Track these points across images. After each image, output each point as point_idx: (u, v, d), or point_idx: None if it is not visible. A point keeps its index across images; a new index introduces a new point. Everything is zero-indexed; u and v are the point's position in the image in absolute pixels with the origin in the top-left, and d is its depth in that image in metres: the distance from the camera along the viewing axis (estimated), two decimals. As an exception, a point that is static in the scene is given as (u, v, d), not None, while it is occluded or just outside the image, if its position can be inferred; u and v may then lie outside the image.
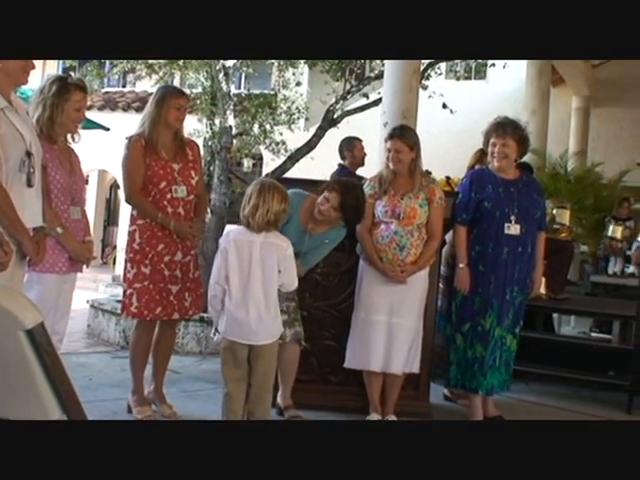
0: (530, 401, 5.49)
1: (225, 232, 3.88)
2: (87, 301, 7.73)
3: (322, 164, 7.50)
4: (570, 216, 7.03)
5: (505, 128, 4.53)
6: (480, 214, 4.54)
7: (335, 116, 8.10)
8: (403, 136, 4.38)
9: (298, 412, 4.44)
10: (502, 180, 4.58)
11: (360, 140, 6.77)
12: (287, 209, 3.72)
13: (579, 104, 13.22)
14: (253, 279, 3.62)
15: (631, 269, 8.34)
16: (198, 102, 7.96)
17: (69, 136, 3.89)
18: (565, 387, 5.94)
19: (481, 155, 5.27)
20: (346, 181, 4.42)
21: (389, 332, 4.35)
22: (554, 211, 6.61)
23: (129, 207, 4.33)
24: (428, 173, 6.76)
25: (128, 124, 8.02)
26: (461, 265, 4.55)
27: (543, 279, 6.10)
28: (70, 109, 3.77)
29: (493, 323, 4.54)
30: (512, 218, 4.49)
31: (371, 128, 6.58)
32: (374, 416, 4.41)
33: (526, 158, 6.76)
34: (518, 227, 4.50)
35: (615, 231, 8.25)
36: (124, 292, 4.26)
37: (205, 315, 6.58)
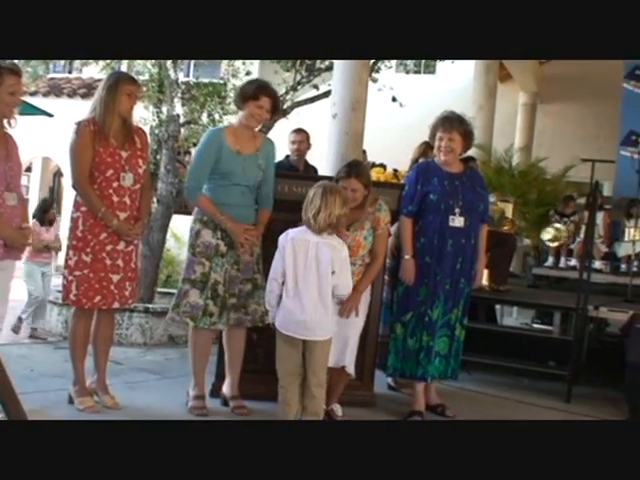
0: (472, 390, 5.60)
1: (285, 232, 3.94)
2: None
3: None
4: (513, 210, 7.16)
5: (452, 123, 4.61)
6: (425, 206, 4.60)
7: (285, 107, 8.09)
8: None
9: (243, 402, 4.44)
10: (447, 173, 4.65)
11: (298, 131, 6.70)
12: (347, 213, 3.92)
13: (526, 100, 13.41)
14: (308, 277, 3.79)
15: (573, 262, 8.50)
16: (145, 89, 7.86)
17: (5, 122, 3.81)
18: (507, 376, 6.07)
19: (425, 148, 5.33)
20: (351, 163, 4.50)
21: (340, 328, 4.34)
22: (498, 204, 6.71)
23: (74, 193, 4.26)
24: (382, 166, 6.84)
25: (74, 111, 7.89)
26: (407, 256, 4.60)
27: (486, 271, 6.23)
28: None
29: (440, 313, 4.62)
30: (456, 211, 4.57)
31: (321, 119, 6.59)
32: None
33: (471, 152, 6.86)
34: (462, 219, 4.58)
35: (547, 233, 8.41)
36: (65, 278, 4.20)
37: (150, 306, 6.55)
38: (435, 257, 4.58)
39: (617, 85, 10.50)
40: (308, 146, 6.49)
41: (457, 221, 4.58)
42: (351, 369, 4.39)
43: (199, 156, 4.36)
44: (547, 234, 8.37)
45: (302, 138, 6.50)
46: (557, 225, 8.42)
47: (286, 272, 3.83)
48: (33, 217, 7.58)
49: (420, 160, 5.33)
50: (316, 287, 3.80)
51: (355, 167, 4.38)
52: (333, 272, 3.82)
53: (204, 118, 8.04)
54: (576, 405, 5.39)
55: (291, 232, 3.91)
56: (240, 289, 4.35)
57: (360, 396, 4.68)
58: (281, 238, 3.92)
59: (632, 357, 5.07)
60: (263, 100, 4.33)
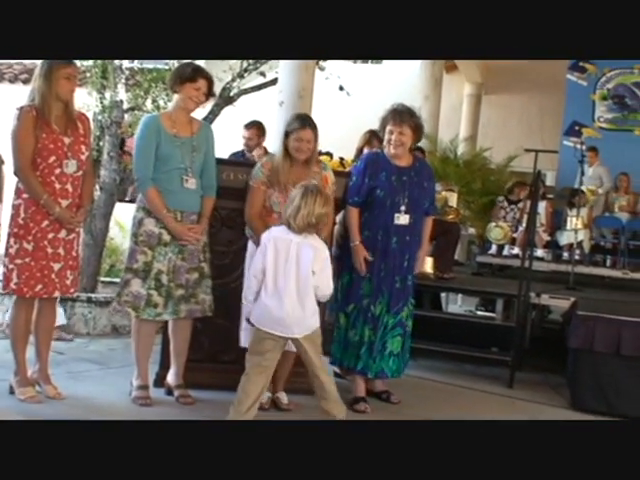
0: (417, 376, 5.64)
1: (268, 230, 4.00)
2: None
3: (218, 142, 7.42)
4: (458, 199, 7.24)
5: (402, 116, 4.58)
6: (372, 200, 4.60)
7: (231, 94, 8.03)
8: (313, 126, 4.34)
9: (188, 391, 4.41)
10: (396, 167, 4.65)
11: (247, 127, 6.65)
12: (330, 213, 4.01)
13: (471, 91, 13.59)
14: (288, 276, 3.82)
15: (516, 250, 8.65)
16: (88, 75, 7.70)
17: None
18: (451, 363, 6.14)
19: (370, 137, 5.33)
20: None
21: None
22: (443, 193, 6.78)
23: (15, 179, 4.16)
24: (329, 155, 6.83)
25: (15, 96, 7.70)
26: (356, 242, 4.60)
27: (431, 259, 6.30)
28: None
29: (383, 310, 4.64)
30: (402, 208, 4.58)
31: (268, 107, 6.57)
32: (265, 395, 4.41)
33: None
34: (407, 217, 4.59)
35: (496, 233, 8.54)
36: (5, 267, 4.12)
37: (93, 296, 6.46)
38: (380, 253, 4.59)
39: (561, 76, 10.71)
40: (259, 141, 6.41)
41: (402, 219, 4.58)
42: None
43: (140, 145, 4.28)
44: (494, 233, 8.49)
45: (250, 135, 6.45)
46: (501, 224, 8.55)
47: (266, 270, 3.85)
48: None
49: (365, 149, 5.32)
50: (295, 286, 3.83)
51: (308, 118, 4.45)
52: (313, 272, 3.84)
53: (148, 104, 7.90)
54: (518, 390, 5.48)
55: (273, 230, 3.95)
56: (187, 279, 4.30)
57: (306, 383, 4.67)
58: (263, 236, 3.96)
59: (573, 343, 5.16)
60: (200, 82, 4.29)
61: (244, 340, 4.43)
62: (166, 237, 4.24)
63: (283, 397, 4.47)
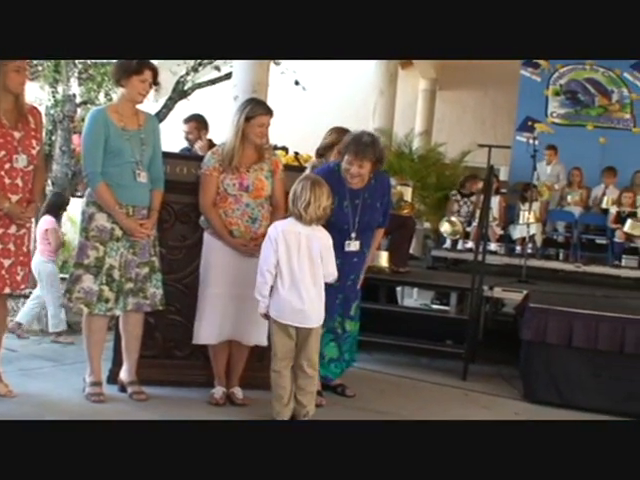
0: (372, 369, 5.68)
1: (273, 224, 4.13)
2: None
3: (172, 137, 7.37)
4: (413, 193, 7.28)
5: (364, 152, 4.38)
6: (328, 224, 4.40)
7: (185, 88, 7.99)
8: (271, 111, 4.40)
9: (142, 388, 4.38)
10: (349, 191, 4.52)
11: (186, 121, 6.58)
12: (332, 204, 4.12)
13: (426, 86, 13.68)
14: (303, 267, 3.98)
15: (470, 244, 8.74)
16: (40, 69, 7.59)
17: None
18: (406, 356, 6.18)
19: (337, 137, 5.06)
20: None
21: (239, 304, 4.35)
22: (398, 188, 6.81)
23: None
24: (284, 149, 6.81)
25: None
26: None
27: (386, 253, 6.33)
28: None
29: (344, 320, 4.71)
30: (352, 235, 4.52)
31: (222, 101, 6.53)
32: (219, 389, 4.42)
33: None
34: (357, 243, 4.54)
35: (446, 227, 8.62)
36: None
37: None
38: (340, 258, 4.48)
39: (515, 72, 10.81)
40: (199, 134, 6.33)
41: (352, 245, 4.54)
42: (260, 340, 4.43)
43: (89, 139, 4.22)
44: (444, 227, 8.58)
45: (189, 129, 6.37)
46: (452, 219, 8.63)
47: (280, 264, 3.98)
48: None
49: (336, 148, 5.09)
50: (310, 276, 3.99)
51: (267, 104, 4.50)
52: (321, 260, 4.03)
53: (101, 98, 7.82)
54: (472, 382, 5.54)
55: (279, 225, 4.06)
56: (137, 273, 4.28)
57: (261, 378, 4.66)
58: (270, 230, 4.07)
59: (526, 335, 5.23)
60: (146, 73, 4.25)
61: (197, 337, 4.41)
62: (118, 232, 4.20)
63: (238, 392, 4.45)
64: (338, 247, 4.34)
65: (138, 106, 4.37)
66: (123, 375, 4.44)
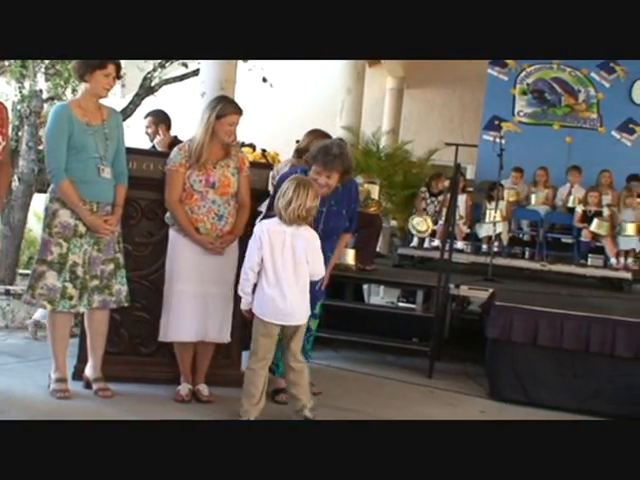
0: (338, 367, 5.69)
1: (259, 223, 4.17)
2: None
3: (139, 134, 7.30)
4: (380, 191, 7.30)
5: (333, 163, 4.27)
6: None
7: (153, 84, 7.92)
8: (241, 110, 4.40)
9: (107, 385, 4.34)
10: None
11: (146, 116, 6.53)
12: (318, 206, 4.09)
13: (393, 84, 13.73)
14: (286, 266, 4.01)
15: (436, 242, 8.78)
16: (7, 64, 7.49)
17: None
18: (372, 354, 6.20)
19: (315, 137, 5.03)
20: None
21: (205, 302, 4.35)
22: (365, 186, 6.83)
23: None
24: (251, 146, 6.78)
25: None
26: None
27: (353, 251, 6.34)
28: None
29: None
30: (320, 219, 4.39)
31: (189, 98, 6.49)
32: (185, 386, 4.40)
33: (341, 135, 6.94)
34: (321, 228, 4.41)
35: (419, 223, 8.65)
36: None
37: (11, 288, 6.29)
38: None
39: (482, 71, 10.88)
40: (157, 129, 6.26)
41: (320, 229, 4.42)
42: (224, 337, 4.43)
43: (52, 135, 4.18)
44: (417, 223, 8.60)
45: (147, 123, 6.32)
46: (425, 216, 8.66)
47: (264, 262, 4.01)
48: None
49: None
50: (293, 275, 4.01)
51: (236, 102, 4.49)
52: (307, 262, 4.04)
53: (68, 94, 7.73)
54: (437, 380, 5.57)
55: (265, 223, 4.08)
56: (102, 270, 4.24)
57: (227, 375, 4.66)
58: (256, 229, 4.10)
59: (491, 333, 5.26)
60: (110, 67, 4.22)
61: (163, 334, 4.38)
62: (82, 228, 4.16)
63: (204, 389, 4.43)
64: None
65: (102, 101, 4.33)
66: (88, 372, 4.40)
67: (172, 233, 4.40)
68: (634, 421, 4.78)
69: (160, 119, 6.29)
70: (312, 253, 4.07)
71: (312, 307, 4.63)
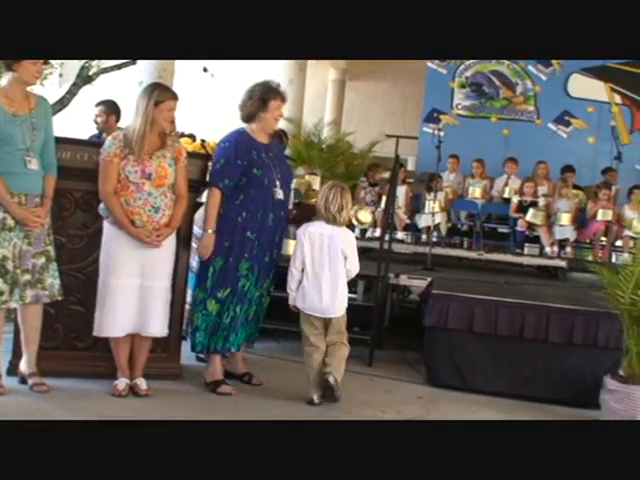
0: (280, 357, 5.70)
1: (303, 226, 4.66)
2: None
3: (76, 123, 7.21)
4: (321, 182, 7.32)
5: (283, 93, 4.71)
6: (248, 181, 4.55)
7: (90, 73, 7.83)
8: (177, 96, 4.40)
9: (42, 380, 4.28)
10: (262, 145, 4.65)
11: (96, 105, 6.47)
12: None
13: (335, 76, 13.77)
14: (322, 266, 4.55)
15: (379, 233, 8.83)
16: None
17: None
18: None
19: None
20: None
21: (141, 295, 4.30)
22: (306, 177, 6.85)
23: None
24: (191, 137, 6.73)
25: None
26: (210, 231, 4.53)
27: (294, 242, 6.34)
28: None
29: (251, 285, 4.64)
30: (278, 184, 4.61)
31: (127, 86, 6.41)
32: (122, 381, 4.35)
33: (282, 126, 6.94)
34: (282, 192, 4.63)
35: (364, 216, 8.69)
36: None
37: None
38: (257, 232, 4.57)
39: (422, 64, 10.98)
40: (108, 118, 6.21)
41: (279, 194, 4.61)
42: (161, 331, 4.40)
43: None
44: (362, 216, 8.63)
45: (98, 112, 6.25)
46: (366, 207, 8.70)
47: (305, 262, 4.55)
48: None
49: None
50: (330, 274, 4.54)
51: (170, 88, 4.59)
52: (346, 257, 4.58)
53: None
54: (377, 368, 5.64)
55: (309, 226, 4.61)
56: (34, 264, 4.15)
57: (166, 368, 4.64)
58: (299, 231, 4.62)
59: (428, 321, 5.34)
60: None
61: (98, 329, 4.34)
62: (10, 222, 4.05)
63: (142, 383, 4.39)
64: (268, 200, 4.56)
65: (29, 89, 4.24)
66: (23, 367, 4.33)
67: (107, 225, 4.33)
68: (565, 404, 4.94)
69: (112, 110, 6.24)
70: (350, 248, 4.61)
71: (268, 275, 4.79)
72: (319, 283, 4.52)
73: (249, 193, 4.56)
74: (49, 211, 4.22)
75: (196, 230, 4.97)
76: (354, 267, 4.66)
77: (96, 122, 6.27)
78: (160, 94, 4.32)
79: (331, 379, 4.49)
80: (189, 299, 5.04)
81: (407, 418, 4.49)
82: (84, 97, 7.50)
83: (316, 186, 7.01)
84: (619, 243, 8.83)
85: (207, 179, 4.68)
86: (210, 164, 4.92)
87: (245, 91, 4.71)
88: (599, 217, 8.63)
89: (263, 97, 4.62)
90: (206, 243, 4.55)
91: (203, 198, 5.12)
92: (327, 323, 4.60)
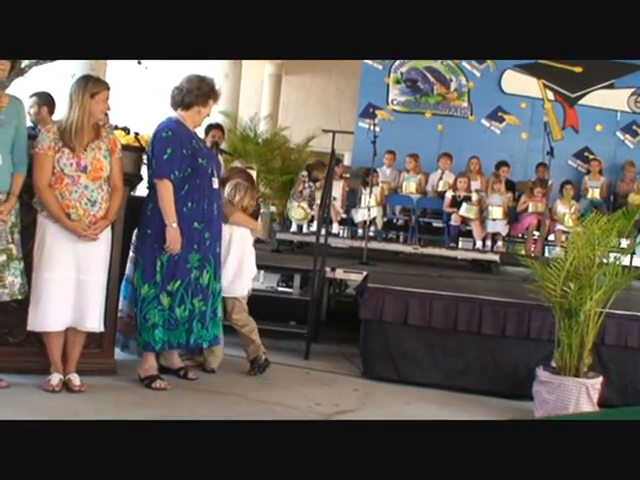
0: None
1: None
2: None
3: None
4: (258, 177, 7.32)
5: (218, 93, 4.77)
6: (193, 170, 4.51)
7: (23, 65, 7.66)
8: (110, 86, 4.38)
9: (1, 376, 4.20)
10: (195, 134, 4.69)
11: (31, 95, 6.36)
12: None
13: (272, 70, 13.77)
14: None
15: (314, 227, 8.86)
16: None
17: None
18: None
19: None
20: None
21: (78, 289, 4.24)
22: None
23: None
24: (125, 130, 6.62)
25: None
26: (174, 225, 4.45)
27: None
28: None
29: (211, 278, 4.64)
30: (215, 172, 4.66)
31: (59, 79, 6.30)
32: (55, 376, 4.29)
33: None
34: (216, 181, 4.68)
35: (297, 213, 8.72)
36: None
37: None
38: (205, 222, 4.56)
39: (357, 60, 11.02)
40: (39, 110, 6.10)
41: (215, 183, 4.65)
42: (98, 326, 4.35)
43: None
44: (295, 213, 8.66)
45: (32, 104, 6.14)
46: (303, 205, 8.72)
47: None
48: None
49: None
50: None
51: (102, 78, 4.62)
52: None
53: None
54: (314, 361, 5.67)
55: None
56: None
57: (100, 364, 4.59)
58: None
59: (364, 314, 5.39)
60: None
61: (32, 323, 4.26)
62: None
63: (75, 379, 4.32)
64: (210, 189, 4.59)
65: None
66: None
67: (40, 219, 4.25)
68: (498, 395, 5.05)
69: (44, 101, 6.13)
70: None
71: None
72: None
73: (194, 183, 4.53)
74: (12, 208, 4.15)
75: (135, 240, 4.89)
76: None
77: (29, 114, 6.15)
78: (94, 85, 4.28)
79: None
80: (122, 307, 4.95)
81: (343, 409, 4.53)
82: (16, 90, 7.32)
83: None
84: (552, 237, 9.07)
85: (143, 173, 4.67)
86: (145, 157, 4.88)
87: (186, 78, 4.67)
88: (530, 209, 8.84)
89: (208, 94, 4.64)
90: (172, 237, 4.45)
91: (138, 192, 5.08)
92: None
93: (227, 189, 5.09)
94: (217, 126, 7.31)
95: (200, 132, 5.62)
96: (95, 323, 4.33)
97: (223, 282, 4.85)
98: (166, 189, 4.45)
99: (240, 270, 5.15)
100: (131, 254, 4.89)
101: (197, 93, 4.61)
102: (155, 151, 4.52)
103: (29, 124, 6.27)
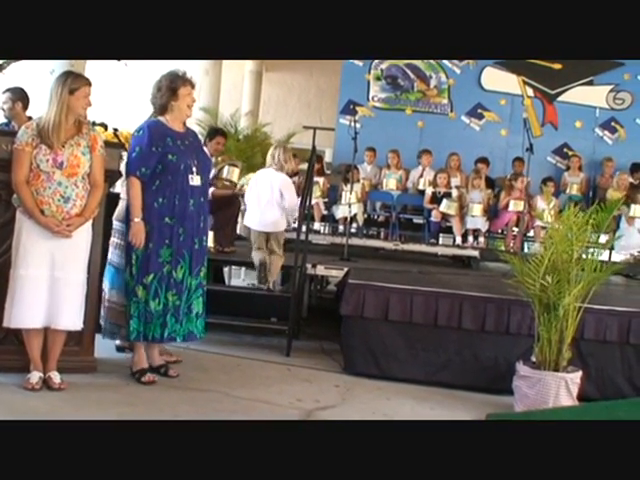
0: (197, 349, 5.64)
1: None
2: None
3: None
4: (240, 173, 7.29)
5: (191, 78, 4.75)
6: (163, 167, 4.55)
7: (1, 62, 7.60)
8: (91, 82, 4.35)
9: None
10: (177, 133, 4.67)
11: (4, 91, 6.31)
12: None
13: (253, 67, 13.74)
14: None
15: (296, 224, 8.85)
16: None
17: None
18: (231, 335, 6.21)
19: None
20: None
21: (53, 287, 4.21)
22: (225, 168, 6.82)
23: None
24: (103, 126, 6.60)
25: None
26: (137, 219, 4.50)
27: (211, 233, 6.32)
28: None
29: (185, 273, 4.65)
30: (194, 170, 4.65)
31: (38, 75, 6.25)
32: (35, 374, 4.26)
33: (198, 116, 6.88)
34: (199, 178, 4.67)
35: None
36: None
37: None
38: (178, 218, 4.58)
39: (338, 57, 11.03)
40: (13, 106, 6.05)
41: (196, 180, 4.65)
42: (74, 324, 4.31)
43: None
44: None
45: (5, 99, 6.09)
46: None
47: None
48: None
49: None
50: None
51: (82, 74, 4.56)
52: None
53: None
54: (295, 358, 5.67)
55: None
56: None
57: (80, 362, 4.56)
58: None
59: (345, 310, 5.40)
60: None
61: (8, 320, 4.22)
62: None
63: (55, 377, 4.30)
64: (185, 185, 4.59)
65: None
66: None
67: (19, 215, 4.23)
68: (479, 390, 5.08)
69: (18, 96, 6.09)
70: None
71: (202, 264, 4.82)
72: None
73: (165, 179, 4.58)
74: None
75: (117, 225, 4.91)
76: None
77: (3, 109, 6.12)
78: (74, 81, 4.26)
79: None
80: (107, 295, 4.96)
81: (324, 405, 4.54)
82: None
83: (234, 177, 6.96)
84: (531, 233, 9.12)
85: (120, 169, 4.65)
86: (124, 154, 4.87)
87: (153, 85, 4.72)
88: (511, 208, 8.89)
89: (172, 86, 4.64)
90: (135, 231, 4.51)
91: (117, 188, 5.07)
92: None
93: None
94: (222, 134, 7.26)
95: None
96: (70, 321, 4.28)
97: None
98: (132, 186, 4.56)
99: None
100: (112, 239, 4.94)
101: (162, 93, 4.66)
102: (129, 149, 4.67)
103: (3, 120, 6.26)
